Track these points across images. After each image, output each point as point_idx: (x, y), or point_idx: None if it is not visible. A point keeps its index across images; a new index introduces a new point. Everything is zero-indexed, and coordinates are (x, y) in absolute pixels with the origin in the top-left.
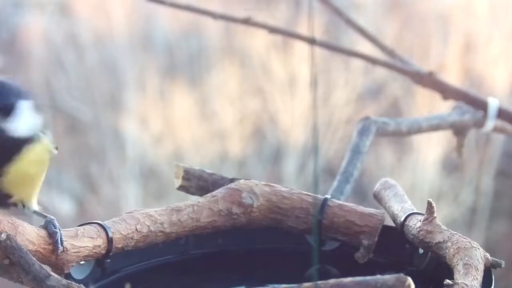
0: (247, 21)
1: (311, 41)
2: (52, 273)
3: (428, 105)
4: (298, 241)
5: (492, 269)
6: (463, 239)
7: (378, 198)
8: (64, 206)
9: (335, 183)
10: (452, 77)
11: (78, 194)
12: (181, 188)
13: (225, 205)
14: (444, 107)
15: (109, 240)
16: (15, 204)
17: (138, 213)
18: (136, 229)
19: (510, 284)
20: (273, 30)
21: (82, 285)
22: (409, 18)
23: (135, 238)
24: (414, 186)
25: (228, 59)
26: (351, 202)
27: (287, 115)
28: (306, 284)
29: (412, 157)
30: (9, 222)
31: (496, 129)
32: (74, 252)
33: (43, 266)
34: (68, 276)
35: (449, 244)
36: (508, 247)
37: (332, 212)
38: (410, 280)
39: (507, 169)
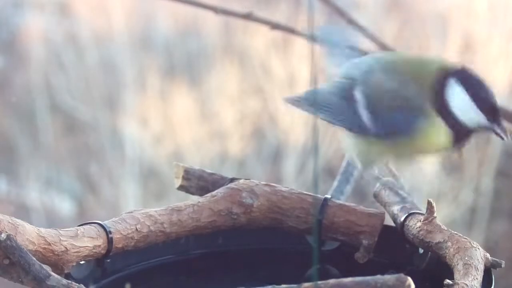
0: (248, 16)
1: (312, 38)
2: (52, 273)
3: None
4: (298, 241)
5: (492, 269)
6: (463, 239)
7: (378, 198)
8: (64, 206)
9: (335, 183)
10: None
11: (77, 194)
12: (181, 188)
13: (225, 205)
14: None
15: (109, 240)
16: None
17: (138, 213)
18: (136, 229)
19: (510, 284)
20: (274, 26)
21: (82, 285)
22: (409, 18)
23: (135, 238)
24: (414, 186)
25: (228, 58)
26: (351, 202)
27: (287, 115)
28: (306, 284)
29: None
30: (9, 222)
31: None
32: (74, 252)
33: (43, 266)
34: (68, 276)
35: (449, 244)
36: (508, 247)
37: (332, 212)
38: (410, 280)
39: (507, 169)
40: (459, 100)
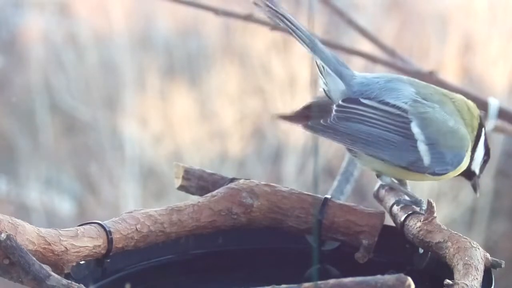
0: (249, 18)
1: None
2: (52, 273)
3: None
4: (298, 241)
5: (492, 269)
6: (463, 239)
7: (378, 198)
8: (64, 206)
9: (335, 183)
10: (451, 77)
11: (77, 194)
12: (181, 188)
13: (225, 205)
14: None
15: (109, 240)
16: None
17: (138, 213)
18: (136, 229)
19: (510, 284)
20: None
21: (82, 285)
22: (408, 18)
23: (135, 238)
24: (414, 186)
25: (228, 59)
26: (351, 202)
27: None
28: (306, 284)
29: None
30: (9, 222)
31: (496, 129)
32: (74, 252)
33: (43, 266)
34: (68, 276)
35: (449, 244)
36: (508, 247)
37: (332, 212)
38: (410, 280)
39: (507, 169)
40: (480, 148)
